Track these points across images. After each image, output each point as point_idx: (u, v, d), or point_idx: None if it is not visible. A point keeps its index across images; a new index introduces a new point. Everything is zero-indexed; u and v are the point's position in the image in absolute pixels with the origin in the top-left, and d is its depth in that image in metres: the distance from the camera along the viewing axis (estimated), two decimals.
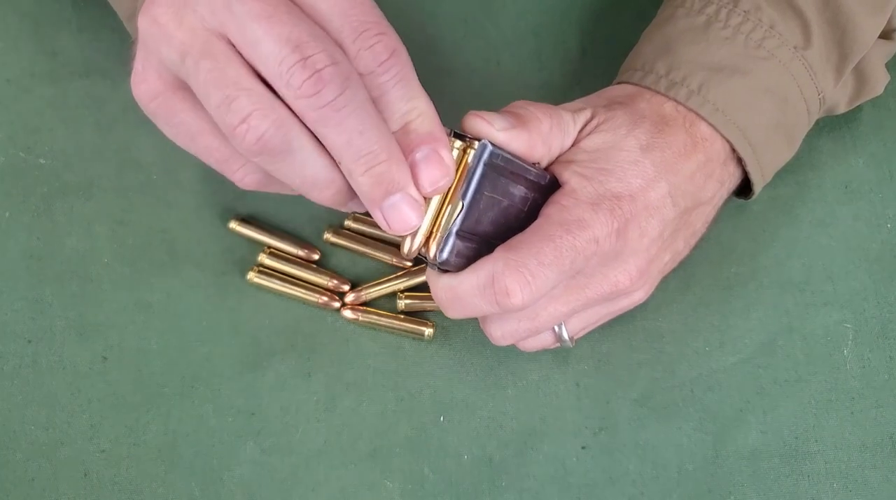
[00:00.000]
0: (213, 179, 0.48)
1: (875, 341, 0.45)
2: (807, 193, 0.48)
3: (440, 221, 0.37)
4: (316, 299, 0.46)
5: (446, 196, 0.37)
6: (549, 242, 0.37)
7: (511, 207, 0.38)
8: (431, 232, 0.37)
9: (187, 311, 0.46)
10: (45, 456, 0.44)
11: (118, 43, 0.50)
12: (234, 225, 0.47)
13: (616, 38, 0.49)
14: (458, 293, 0.38)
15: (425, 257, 0.37)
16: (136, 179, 0.48)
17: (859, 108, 0.48)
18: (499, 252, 0.37)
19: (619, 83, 0.43)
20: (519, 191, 0.38)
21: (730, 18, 0.40)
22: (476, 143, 0.36)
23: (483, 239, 0.38)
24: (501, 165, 0.37)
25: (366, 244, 0.47)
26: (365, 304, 0.47)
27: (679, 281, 0.46)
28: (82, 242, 0.47)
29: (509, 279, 0.36)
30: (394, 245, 0.47)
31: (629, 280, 0.39)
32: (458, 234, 0.37)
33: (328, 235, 0.47)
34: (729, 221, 0.47)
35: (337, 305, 0.46)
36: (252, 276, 0.46)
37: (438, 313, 0.47)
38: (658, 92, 0.40)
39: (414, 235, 0.37)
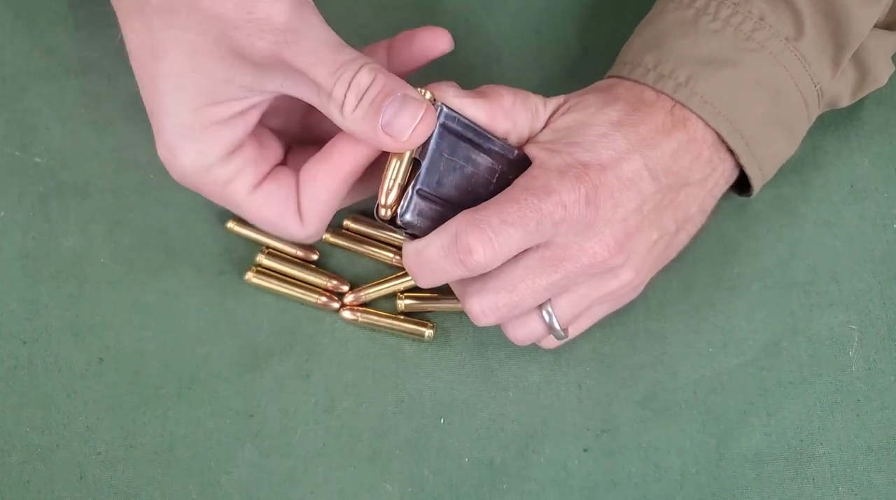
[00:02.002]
0: None
1: (881, 342, 0.45)
2: (811, 192, 0.47)
3: (403, 182, 0.38)
4: (315, 300, 0.46)
5: (409, 159, 0.37)
6: (513, 203, 0.37)
7: (476, 176, 0.39)
8: (399, 194, 0.38)
9: (185, 311, 0.46)
10: (40, 458, 0.44)
11: (115, 41, 0.50)
12: (231, 225, 0.47)
13: (617, 37, 0.48)
14: (425, 257, 0.38)
15: (391, 222, 0.38)
16: (133, 179, 0.48)
17: (864, 106, 0.48)
18: (463, 213, 0.38)
19: (608, 77, 0.43)
20: (484, 160, 0.39)
21: (719, 11, 0.40)
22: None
23: (448, 203, 0.38)
24: (459, 130, 0.38)
25: (365, 245, 0.47)
26: (364, 305, 0.46)
27: (681, 281, 0.46)
28: (79, 241, 0.47)
29: (471, 236, 0.36)
30: (393, 246, 0.47)
31: (607, 251, 0.39)
32: (419, 193, 0.37)
33: (327, 236, 0.47)
34: (732, 220, 0.47)
35: (336, 305, 0.46)
36: (250, 276, 0.46)
37: (439, 313, 0.46)
38: (646, 84, 0.40)
39: (388, 192, 0.37)
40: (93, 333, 0.46)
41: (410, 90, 0.37)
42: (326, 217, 0.40)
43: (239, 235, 0.47)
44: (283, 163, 0.42)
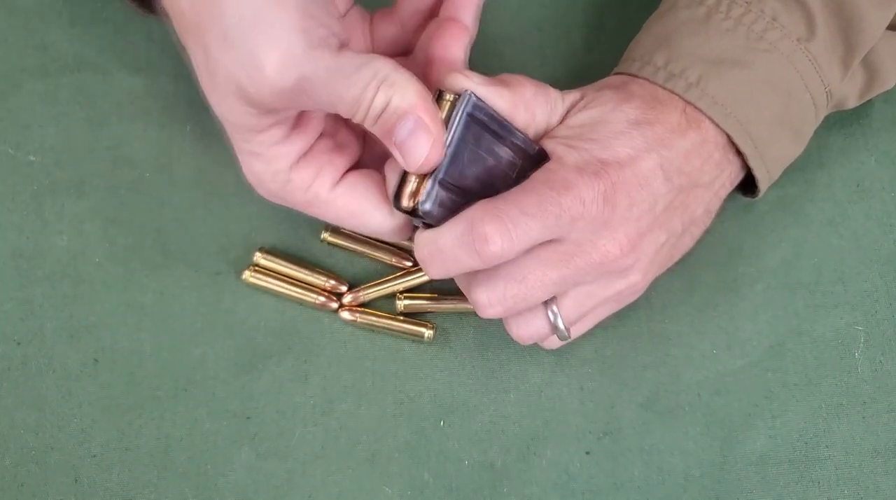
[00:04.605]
0: (207, 177, 0.47)
1: (887, 343, 0.45)
2: (816, 191, 0.47)
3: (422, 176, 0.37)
4: (313, 300, 0.45)
5: None
6: (532, 194, 0.37)
7: (497, 169, 0.38)
8: (418, 185, 0.37)
9: (181, 312, 0.46)
10: (34, 461, 0.44)
11: (111, 37, 0.49)
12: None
13: (621, 33, 0.48)
14: (439, 246, 0.37)
15: (409, 211, 0.37)
16: (129, 177, 0.47)
17: (871, 105, 0.47)
18: (480, 202, 0.37)
19: (616, 74, 0.42)
20: (506, 154, 0.38)
21: (731, 10, 0.40)
22: (461, 95, 0.37)
23: (468, 195, 0.38)
24: (484, 120, 0.37)
25: (364, 244, 0.46)
26: (363, 305, 0.46)
27: (685, 282, 0.46)
28: (73, 241, 0.46)
29: (489, 226, 0.36)
30: (392, 245, 0.46)
31: (619, 250, 0.38)
32: (441, 182, 0.37)
33: (326, 235, 0.46)
34: (736, 220, 0.46)
35: (335, 305, 0.45)
36: (247, 276, 0.45)
37: (438, 314, 0.46)
38: (656, 83, 0.40)
39: (405, 182, 0.37)
40: (88, 333, 0.45)
41: (424, 111, 0.36)
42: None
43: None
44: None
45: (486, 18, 0.50)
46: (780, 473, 0.43)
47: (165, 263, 0.46)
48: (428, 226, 0.38)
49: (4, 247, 0.46)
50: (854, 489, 0.43)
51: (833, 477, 0.43)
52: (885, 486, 0.43)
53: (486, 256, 0.36)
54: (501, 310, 0.39)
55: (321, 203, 0.40)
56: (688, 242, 0.43)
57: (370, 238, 0.46)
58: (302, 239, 0.47)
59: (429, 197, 0.37)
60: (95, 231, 0.47)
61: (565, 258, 0.38)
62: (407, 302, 0.45)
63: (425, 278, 0.45)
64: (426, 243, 0.38)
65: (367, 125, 0.36)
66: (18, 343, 0.45)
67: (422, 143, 0.36)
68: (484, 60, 0.49)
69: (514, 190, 0.37)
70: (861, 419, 0.44)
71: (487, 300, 0.39)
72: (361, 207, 0.40)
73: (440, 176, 0.37)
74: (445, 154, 0.36)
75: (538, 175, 0.38)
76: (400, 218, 0.40)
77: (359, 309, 0.45)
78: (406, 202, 0.37)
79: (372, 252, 0.46)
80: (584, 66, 0.49)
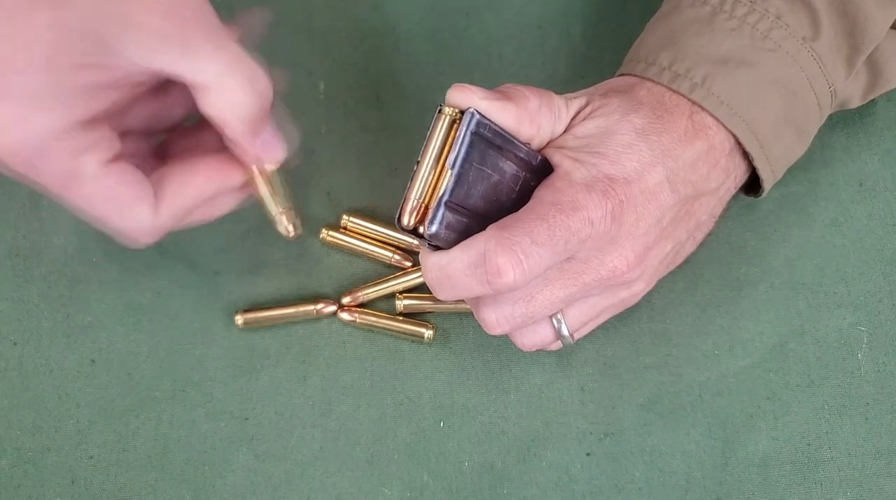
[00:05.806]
0: None
1: (890, 344, 0.44)
2: (819, 191, 0.47)
3: (429, 193, 0.36)
4: (311, 310, 0.45)
5: (436, 168, 0.36)
6: (542, 221, 0.36)
7: (502, 184, 0.38)
8: (425, 204, 0.36)
9: (179, 312, 0.45)
10: (31, 462, 0.43)
11: None
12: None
13: (622, 31, 0.48)
14: (448, 272, 0.37)
15: (415, 233, 0.37)
16: None
17: (874, 103, 0.47)
18: (491, 230, 0.36)
19: (621, 75, 0.42)
20: (510, 168, 0.38)
21: (735, 9, 0.39)
22: (464, 113, 0.36)
23: (474, 215, 0.37)
24: (489, 137, 0.36)
25: (363, 244, 0.46)
26: (362, 305, 0.45)
27: (687, 282, 0.45)
28: (70, 240, 0.46)
29: (501, 258, 0.35)
30: (392, 245, 0.46)
31: (626, 266, 0.38)
32: (447, 204, 0.36)
33: (325, 235, 0.46)
34: (739, 219, 0.46)
35: (333, 309, 0.45)
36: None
37: (438, 314, 0.45)
38: (661, 84, 0.40)
39: (410, 206, 0.36)
40: (85, 334, 0.45)
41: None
42: (180, 216, 0.39)
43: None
44: None
45: (487, 16, 0.50)
46: (782, 474, 0.43)
47: (163, 262, 0.46)
48: (434, 247, 0.37)
49: (1, 246, 0.46)
50: (857, 490, 0.43)
51: (836, 479, 0.43)
52: (888, 488, 0.43)
53: (498, 287, 0.36)
54: (509, 328, 0.39)
55: (85, 178, 0.35)
56: (691, 247, 0.43)
57: (370, 237, 0.46)
58: (301, 239, 0.46)
59: (434, 220, 0.36)
60: (92, 230, 0.46)
61: (573, 277, 0.38)
62: (407, 302, 0.45)
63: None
64: (434, 269, 0.37)
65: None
66: (15, 343, 0.45)
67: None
68: (484, 59, 0.49)
69: (523, 213, 0.37)
70: (864, 421, 0.43)
71: (495, 320, 0.39)
72: (129, 195, 0.36)
73: (446, 198, 0.36)
74: (451, 175, 0.36)
75: (546, 195, 0.37)
76: (164, 219, 0.38)
77: (358, 309, 0.45)
78: (407, 220, 0.36)
79: (371, 251, 0.46)
80: (584, 64, 0.49)
